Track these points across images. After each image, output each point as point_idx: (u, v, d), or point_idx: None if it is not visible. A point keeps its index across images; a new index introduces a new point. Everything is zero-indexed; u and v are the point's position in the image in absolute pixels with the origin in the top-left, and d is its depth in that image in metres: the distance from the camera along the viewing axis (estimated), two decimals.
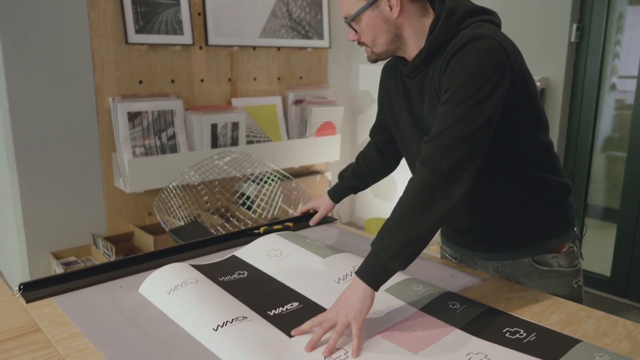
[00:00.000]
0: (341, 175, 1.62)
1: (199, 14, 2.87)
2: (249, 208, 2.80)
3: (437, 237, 1.44)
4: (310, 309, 1.12)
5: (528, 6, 2.81)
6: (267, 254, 1.34)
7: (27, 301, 1.12)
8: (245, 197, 2.87)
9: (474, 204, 1.23)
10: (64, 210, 2.58)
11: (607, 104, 3.76)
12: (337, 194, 1.64)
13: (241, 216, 2.75)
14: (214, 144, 2.89)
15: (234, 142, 2.96)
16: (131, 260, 1.33)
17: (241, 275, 1.25)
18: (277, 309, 1.11)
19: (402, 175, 3.73)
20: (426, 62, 1.17)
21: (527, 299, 1.19)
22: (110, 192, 2.71)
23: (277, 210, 2.76)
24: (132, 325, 1.04)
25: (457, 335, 1.03)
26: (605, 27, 2.73)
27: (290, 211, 2.90)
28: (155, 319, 1.07)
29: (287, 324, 1.05)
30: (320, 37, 3.43)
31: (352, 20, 1.18)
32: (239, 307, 1.10)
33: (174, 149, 2.77)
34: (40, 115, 2.47)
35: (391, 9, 1.14)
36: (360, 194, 3.84)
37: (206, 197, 2.89)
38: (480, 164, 1.07)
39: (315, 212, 1.69)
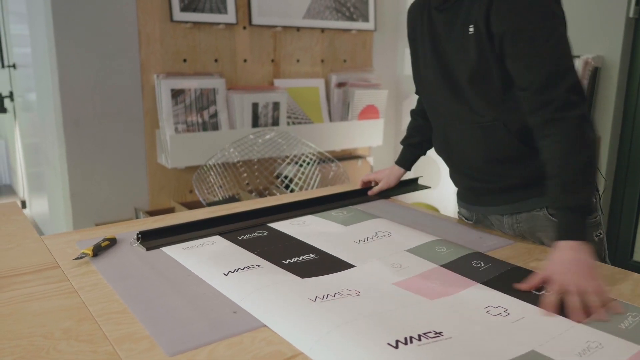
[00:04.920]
0: (402, 140, 1.57)
1: None
2: (287, 187, 2.80)
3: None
4: (327, 260, 1.09)
5: None
6: (290, 222, 1.32)
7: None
8: (283, 176, 2.87)
9: (490, 150, 1.21)
10: (108, 184, 2.66)
11: None
12: (403, 158, 1.57)
13: (278, 194, 2.75)
14: (255, 123, 2.90)
15: (275, 122, 2.97)
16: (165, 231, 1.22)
17: (261, 234, 1.24)
18: (293, 259, 1.09)
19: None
20: None
21: None
22: (153, 167, 2.77)
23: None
24: (146, 266, 1.05)
25: (477, 288, 0.98)
26: None
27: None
28: (169, 263, 1.07)
29: (301, 270, 1.03)
30: (366, 19, 3.39)
31: None
32: (253, 258, 1.08)
33: (215, 127, 2.80)
34: (88, 89, 2.55)
35: None
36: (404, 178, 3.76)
37: (245, 175, 2.91)
38: None
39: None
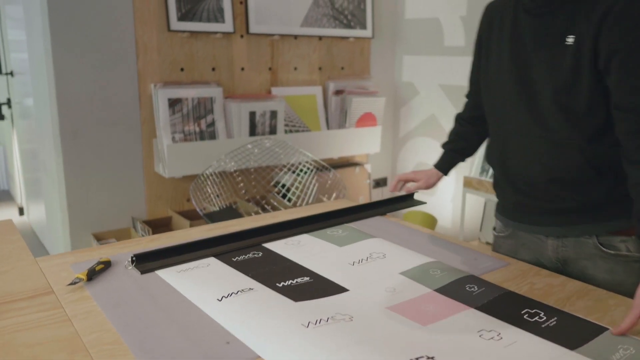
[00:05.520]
0: (443, 144, 1.53)
1: (241, 2, 2.89)
2: (284, 196, 2.80)
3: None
4: (321, 283, 1.09)
5: None
6: (285, 243, 1.32)
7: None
8: (280, 185, 2.88)
9: (556, 169, 1.17)
10: (105, 193, 2.66)
11: None
12: (442, 162, 1.51)
13: (276, 204, 2.75)
14: (252, 132, 2.90)
15: (272, 130, 2.97)
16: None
17: (255, 255, 1.24)
18: (287, 282, 1.09)
19: None
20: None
21: (553, 284, 1.12)
22: (150, 177, 2.77)
23: (312, 199, 2.74)
24: (139, 291, 1.05)
25: (470, 313, 0.98)
26: None
27: (325, 200, 2.87)
28: (163, 288, 1.07)
29: (295, 294, 1.03)
30: (363, 26, 3.39)
31: None
32: (247, 281, 1.09)
33: (212, 136, 2.80)
34: (85, 99, 2.55)
35: None
36: None
37: (242, 184, 2.91)
38: None
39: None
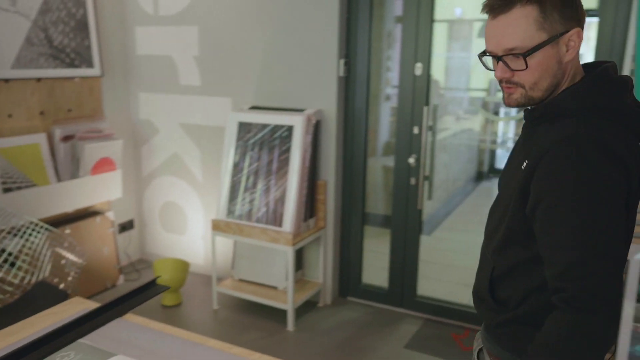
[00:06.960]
0: None
1: None
2: (12, 267, 2.43)
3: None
4: None
5: (301, 44, 2.91)
6: None
7: None
8: (6, 253, 2.49)
9: (478, 281, 1.19)
10: None
11: (384, 114, 4.13)
12: None
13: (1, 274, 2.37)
14: None
15: None
16: None
17: None
18: None
19: (190, 206, 3.57)
20: (538, 121, 1.04)
21: None
22: None
23: (47, 266, 2.44)
24: None
25: None
26: (368, 59, 2.95)
27: (64, 259, 2.59)
28: None
29: None
30: (90, 65, 3.13)
31: (528, 55, 0.96)
32: None
33: None
34: None
35: (567, 50, 0.98)
36: (150, 227, 3.63)
37: None
38: None
39: None
